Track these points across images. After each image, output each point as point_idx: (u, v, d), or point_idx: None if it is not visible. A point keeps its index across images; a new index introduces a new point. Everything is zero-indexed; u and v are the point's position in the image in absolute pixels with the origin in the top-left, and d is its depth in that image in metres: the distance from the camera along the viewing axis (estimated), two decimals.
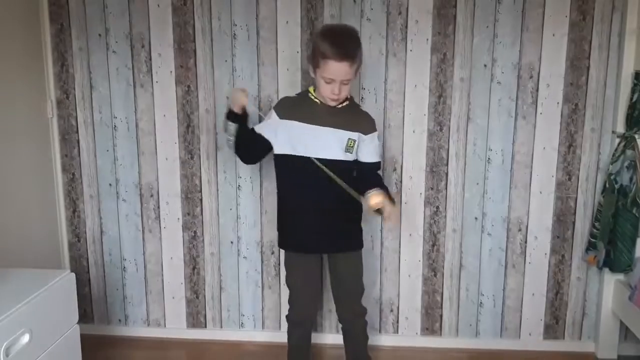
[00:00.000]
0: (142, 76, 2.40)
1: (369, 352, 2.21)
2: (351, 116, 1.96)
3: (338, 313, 2.16)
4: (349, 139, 1.93)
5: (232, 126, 1.97)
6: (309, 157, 1.89)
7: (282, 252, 2.47)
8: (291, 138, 1.92)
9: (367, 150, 1.99)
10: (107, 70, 2.40)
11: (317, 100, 1.93)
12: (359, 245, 2.08)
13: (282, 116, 1.93)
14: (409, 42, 2.29)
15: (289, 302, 2.12)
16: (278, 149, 1.96)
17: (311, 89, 1.96)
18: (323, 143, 1.91)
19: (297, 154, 1.91)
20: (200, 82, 2.38)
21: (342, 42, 1.80)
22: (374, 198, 1.81)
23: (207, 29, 2.34)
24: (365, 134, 1.96)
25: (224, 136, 2.06)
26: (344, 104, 1.95)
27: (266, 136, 1.96)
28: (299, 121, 1.91)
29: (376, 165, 2.03)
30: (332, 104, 1.90)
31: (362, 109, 2.10)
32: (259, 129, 1.98)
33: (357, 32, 1.92)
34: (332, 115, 1.92)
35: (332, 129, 1.92)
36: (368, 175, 2.00)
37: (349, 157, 1.95)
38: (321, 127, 1.91)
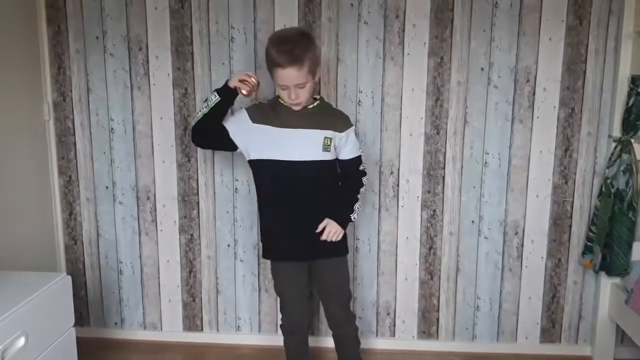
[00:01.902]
0: (140, 79, 2.39)
1: (362, 356, 2.20)
2: (323, 115, 1.96)
3: (327, 320, 2.15)
4: (325, 137, 1.92)
5: (214, 98, 1.91)
6: (286, 161, 1.89)
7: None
8: (266, 143, 1.91)
9: (345, 148, 1.99)
10: (104, 72, 2.40)
11: (286, 104, 1.92)
12: (344, 251, 2.06)
13: (254, 120, 1.93)
14: (406, 45, 2.29)
15: (281, 311, 2.11)
16: (254, 155, 1.95)
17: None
18: (299, 145, 1.90)
19: (273, 158, 1.90)
20: (197, 85, 2.37)
21: (285, 49, 1.77)
22: None
23: (204, 32, 2.34)
24: (341, 131, 1.96)
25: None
26: (314, 104, 1.95)
27: (230, 130, 1.93)
28: (272, 125, 1.91)
29: (357, 161, 2.03)
30: (296, 108, 1.90)
31: (334, 108, 2.09)
32: (224, 120, 1.96)
33: (305, 35, 1.88)
34: (304, 117, 1.92)
35: (305, 129, 1.91)
36: (349, 176, 2.03)
37: (328, 156, 1.94)
38: (294, 129, 1.90)
